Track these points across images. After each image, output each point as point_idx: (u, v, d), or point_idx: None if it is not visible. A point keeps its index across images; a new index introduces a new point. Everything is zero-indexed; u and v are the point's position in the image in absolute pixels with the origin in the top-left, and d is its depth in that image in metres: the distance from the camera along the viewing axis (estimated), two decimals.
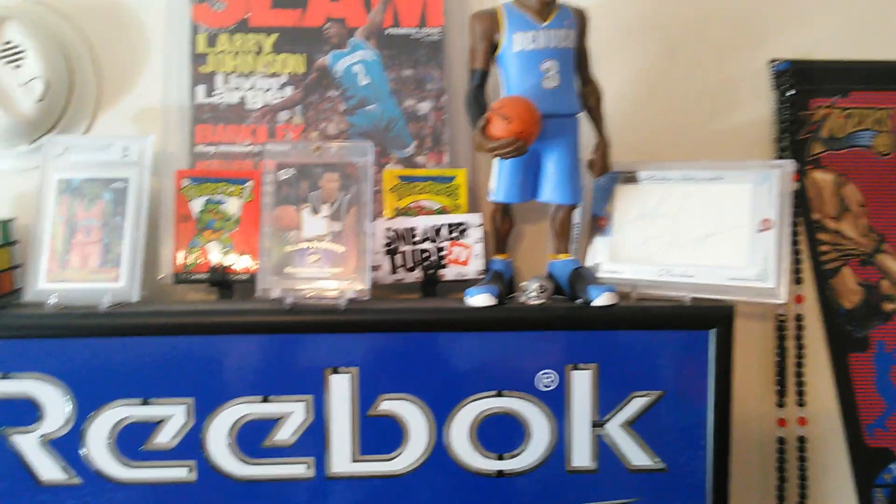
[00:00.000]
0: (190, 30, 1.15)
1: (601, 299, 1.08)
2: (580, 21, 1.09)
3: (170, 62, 1.15)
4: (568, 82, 1.07)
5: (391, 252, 1.12)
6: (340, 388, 1.08)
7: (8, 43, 1.06)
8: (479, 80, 1.08)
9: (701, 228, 1.13)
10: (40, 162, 1.11)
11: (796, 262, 1.25)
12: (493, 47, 1.07)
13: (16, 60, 1.06)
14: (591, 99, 1.11)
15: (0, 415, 1.04)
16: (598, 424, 1.11)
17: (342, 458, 1.09)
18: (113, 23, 1.16)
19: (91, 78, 1.15)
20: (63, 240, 1.06)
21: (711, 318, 1.09)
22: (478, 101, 1.07)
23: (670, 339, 1.10)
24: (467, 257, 1.13)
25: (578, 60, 1.09)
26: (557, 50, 1.06)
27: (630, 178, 1.18)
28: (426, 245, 1.13)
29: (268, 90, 1.15)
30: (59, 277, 1.06)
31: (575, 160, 1.10)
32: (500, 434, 1.11)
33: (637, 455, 1.12)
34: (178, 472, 1.07)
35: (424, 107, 1.17)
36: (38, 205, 1.08)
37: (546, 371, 1.10)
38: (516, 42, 1.05)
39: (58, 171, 1.09)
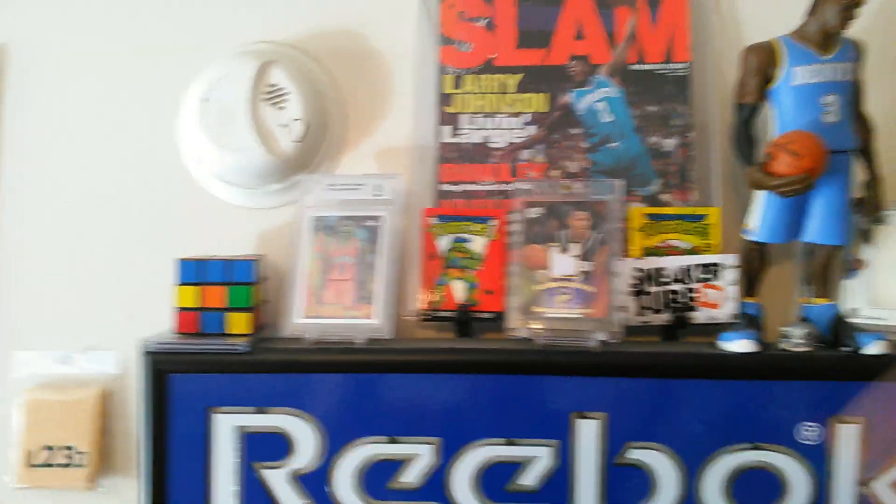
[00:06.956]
0: (437, 71, 1.20)
1: (873, 348, 1.04)
2: (860, 54, 1.08)
3: (417, 103, 1.21)
4: (847, 117, 1.06)
5: (638, 293, 1.11)
6: (587, 434, 1.08)
7: (273, 85, 1.14)
8: (750, 115, 1.08)
9: None
10: (295, 200, 1.19)
11: None
12: (765, 81, 1.06)
13: (279, 102, 1.13)
14: (863, 134, 1.09)
15: (254, 449, 1.10)
16: (863, 483, 1.07)
17: None
18: (361, 66, 1.23)
19: (340, 119, 1.22)
20: (319, 276, 1.12)
21: None
22: (749, 136, 1.08)
23: None
24: (719, 300, 1.11)
25: (855, 94, 1.07)
26: (839, 83, 1.05)
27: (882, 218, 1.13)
28: (675, 286, 1.11)
29: (511, 129, 1.18)
30: (314, 313, 1.11)
31: (847, 199, 1.08)
32: (755, 489, 1.08)
33: None
34: None
35: (670, 143, 1.17)
36: (294, 242, 1.15)
37: (808, 424, 1.06)
38: (797, 75, 1.05)
39: (312, 208, 1.16)
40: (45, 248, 1.24)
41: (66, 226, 1.24)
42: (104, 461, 1.23)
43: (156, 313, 1.15)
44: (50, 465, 1.20)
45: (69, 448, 1.20)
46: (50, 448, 1.20)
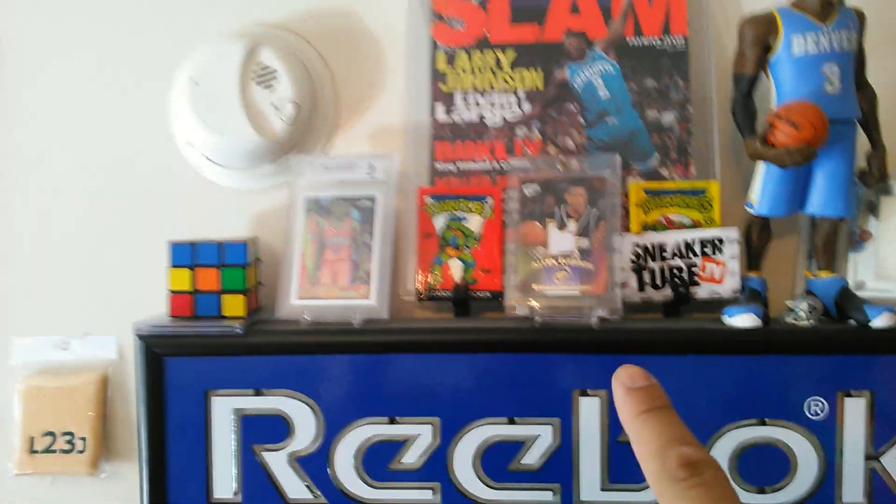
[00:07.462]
0: (430, 49, 1.18)
1: (881, 320, 1.02)
2: (860, 22, 1.05)
3: (410, 82, 1.19)
4: (848, 86, 1.04)
5: (638, 269, 1.09)
6: (590, 411, 1.06)
7: (263, 66, 1.12)
8: (749, 86, 1.06)
9: None
10: (286, 181, 1.17)
11: None
12: (764, 51, 1.04)
13: (269, 83, 1.11)
14: (865, 104, 1.06)
15: (252, 431, 1.09)
16: (872, 457, 1.05)
17: (591, 486, 1.07)
18: (352, 45, 1.21)
19: (331, 99, 1.20)
20: (313, 258, 1.10)
21: None
22: (748, 108, 1.06)
23: None
24: (722, 275, 1.08)
25: (856, 64, 1.05)
26: (840, 53, 1.02)
27: (887, 188, 1.11)
28: (676, 262, 1.09)
29: (506, 106, 1.16)
30: (310, 294, 1.10)
31: (851, 170, 1.05)
32: (762, 465, 1.06)
33: None
34: (423, 494, 1.09)
35: (668, 117, 1.14)
36: (288, 223, 1.13)
37: (815, 398, 1.04)
38: (796, 45, 1.03)
39: (305, 189, 1.14)
40: (40, 234, 1.23)
41: (60, 211, 1.23)
42: (105, 446, 1.22)
43: (154, 297, 1.14)
44: (51, 451, 1.19)
45: (70, 434, 1.19)
46: (51, 434, 1.20)
